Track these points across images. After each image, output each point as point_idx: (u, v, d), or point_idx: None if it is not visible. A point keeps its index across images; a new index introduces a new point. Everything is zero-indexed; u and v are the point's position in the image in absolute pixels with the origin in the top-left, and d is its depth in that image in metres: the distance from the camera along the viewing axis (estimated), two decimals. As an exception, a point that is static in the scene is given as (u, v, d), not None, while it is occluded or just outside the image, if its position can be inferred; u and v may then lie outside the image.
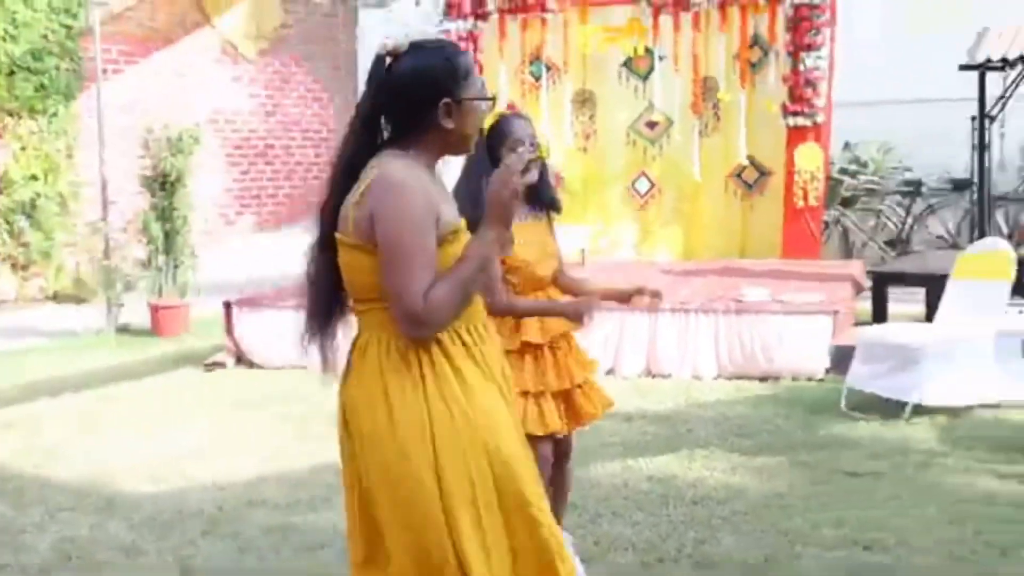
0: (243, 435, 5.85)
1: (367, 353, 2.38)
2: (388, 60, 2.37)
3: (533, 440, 3.20)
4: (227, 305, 7.73)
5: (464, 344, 2.37)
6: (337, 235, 2.34)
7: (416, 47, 2.38)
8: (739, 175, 10.19)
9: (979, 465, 4.95)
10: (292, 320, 8.26)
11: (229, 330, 7.69)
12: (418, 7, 16.10)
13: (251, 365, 7.62)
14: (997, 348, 5.82)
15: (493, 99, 2.54)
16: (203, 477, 5.04)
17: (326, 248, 2.39)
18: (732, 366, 6.91)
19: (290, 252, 10.07)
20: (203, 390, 6.98)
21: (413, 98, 2.35)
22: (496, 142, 3.45)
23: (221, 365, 7.59)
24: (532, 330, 3.52)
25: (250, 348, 7.63)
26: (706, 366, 6.93)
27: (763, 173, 10.13)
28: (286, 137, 14.40)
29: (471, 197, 3.01)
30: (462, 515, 2.29)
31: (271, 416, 6.24)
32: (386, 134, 2.41)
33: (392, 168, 2.32)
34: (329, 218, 2.37)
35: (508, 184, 2.32)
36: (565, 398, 3.65)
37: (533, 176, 3.38)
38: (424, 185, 2.33)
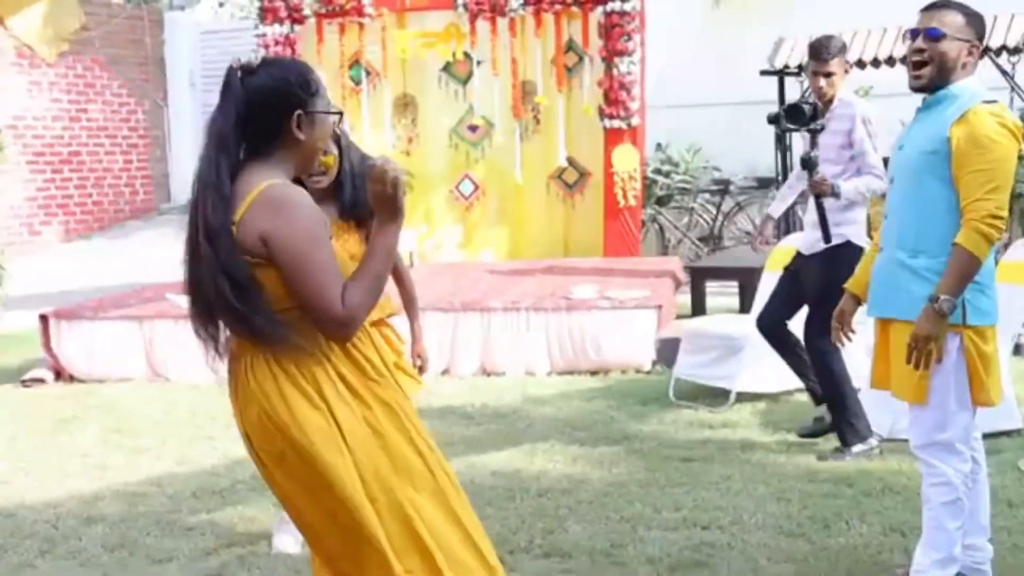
0: (72, 451, 5.63)
1: (256, 370, 2.42)
2: (240, 74, 2.44)
3: None
4: (43, 318, 7.40)
5: (344, 350, 2.44)
6: None
7: (269, 62, 2.49)
8: (560, 176, 10.45)
9: (799, 445, 5.28)
10: (114, 331, 8.04)
11: (47, 344, 7.37)
12: (221, 8, 15.79)
13: (72, 379, 7.33)
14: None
15: (340, 113, 2.63)
16: (34, 497, 4.84)
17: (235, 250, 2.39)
18: (564, 362, 7.11)
19: (104, 261, 9.83)
20: (23, 408, 6.67)
21: (269, 109, 2.43)
22: None
23: (40, 381, 7.26)
24: None
25: (71, 362, 7.33)
26: (539, 363, 7.11)
27: (582, 174, 10.42)
28: (92, 143, 13.85)
29: None
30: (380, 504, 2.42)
31: (99, 430, 6.03)
32: (242, 150, 2.45)
33: (274, 184, 2.38)
34: (226, 220, 2.36)
35: (385, 178, 2.39)
36: None
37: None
38: (306, 195, 2.40)
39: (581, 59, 10.32)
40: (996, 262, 3.52)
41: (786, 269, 5.34)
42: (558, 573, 3.88)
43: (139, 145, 14.46)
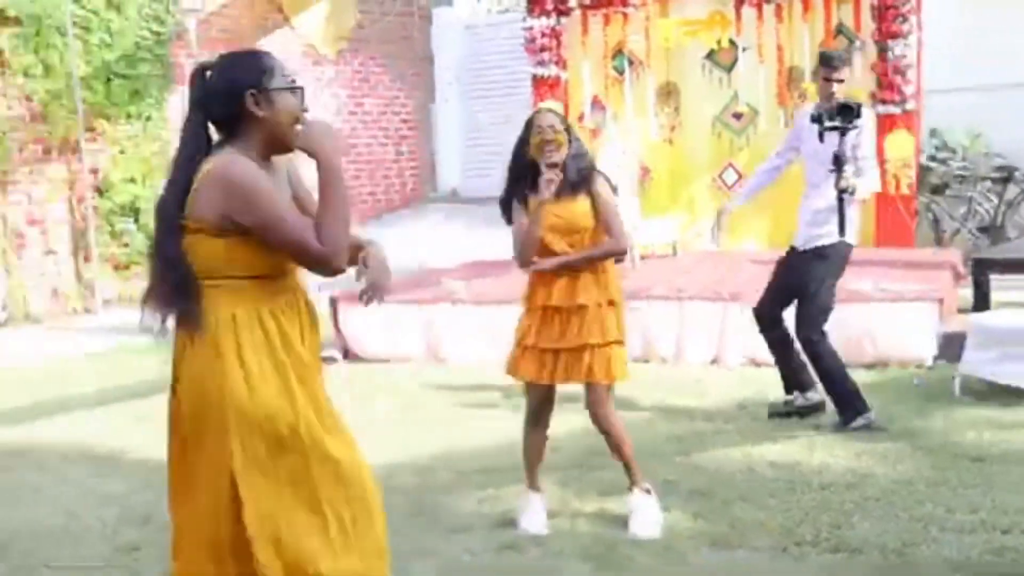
0: (365, 426, 6.00)
1: (191, 342, 2.65)
2: (200, 71, 2.72)
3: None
4: (333, 300, 7.93)
5: (264, 329, 2.65)
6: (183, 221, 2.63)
7: (224, 56, 2.76)
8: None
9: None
10: (396, 313, 8.49)
11: (336, 324, 7.89)
12: (480, 3, 16.27)
13: (357, 358, 7.81)
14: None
15: (300, 88, 2.78)
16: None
17: (174, 233, 2.64)
18: (847, 356, 6.91)
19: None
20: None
21: (226, 94, 2.66)
22: (526, 132, 4.13)
23: (331, 359, 7.78)
24: (542, 295, 4.16)
25: (357, 342, 7.82)
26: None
27: (851, 162, 10.10)
28: (367, 136, 14.63)
29: (512, 178, 4.18)
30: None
31: (387, 407, 6.41)
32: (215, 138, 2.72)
33: (219, 162, 2.61)
34: (174, 208, 2.63)
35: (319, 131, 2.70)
36: (555, 356, 4.15)
37: (552, 159, 4.03)
38: (244, 162, 2.62)
39: (852, 43, 10.00)
40: None
41: (780, 263, 5.69)
42: (846, 568, 3.82)
43: (409, 137, 15.15)
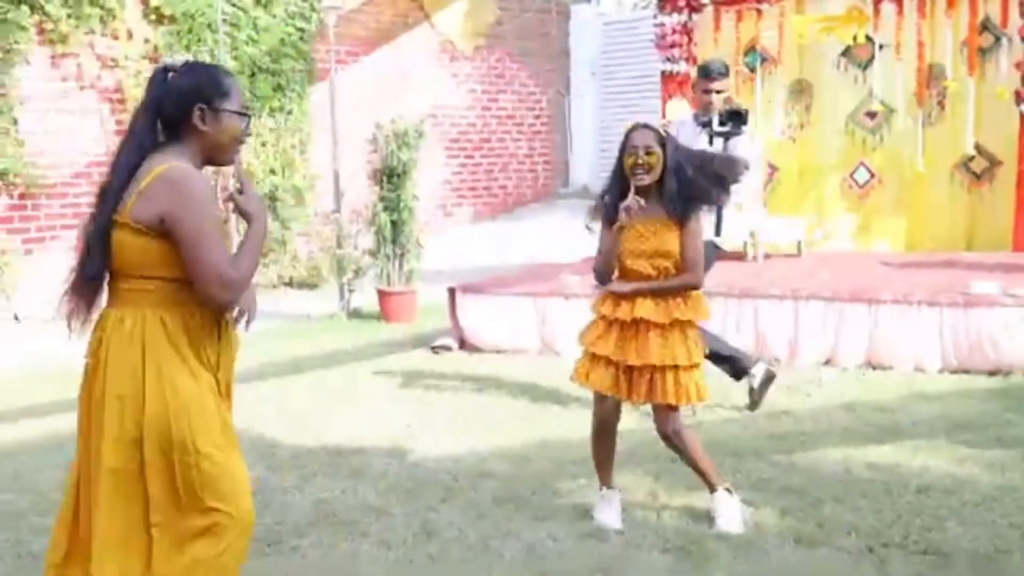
0: (469, 413, 6.17)
1: (124, 323, 2.75)
2: (164, 72, 2.84)
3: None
4: (451, 291, 8.12)
5: (188, 333, 2.80)
6: (115, 216, 2.74)
7: (192, 64, 2.88)
8: (966, 165, 9.86)
9: None
10: (511, 306, 8.67)
11: (453, 315, 8.08)
12: (620, 4, 16.27)
13: (473, 349, 7.98)
14: None
15: (248, 115, 2.90)
16: (437, 451, 5.37)
17: (104, 227, 2.76)
18: (958, 360, 6.74)
19: (507, 240, 10.53)
20: (432, 371, 7.38)
21: (178, 101, 2.80)
22: (622, 150, 4.10)
23: (447, 348, 7.98)
24: (608, 306, 4.19)
25: (473, 332, 7.99)
26: (930, 359, 6.79)
27: (992, 163, 9.76)
28: (501, 131, 14.84)
29: (611, 198, 4.14)
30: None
31: (494, 396, 6.55)
32: (161, 138, 2.84)
33: (177, 168, 2.72)
34: (111, 203, 2.75)
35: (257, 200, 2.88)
36: (627, 372, 4.16)
37: (642, 181, 4.06)
38: (201, 176, 2.75)
39: (998, 40, 9.66)
40: None
41: None
42: (933, 571, 3.76)
43: (542, 132, 15.30)
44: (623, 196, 4.10)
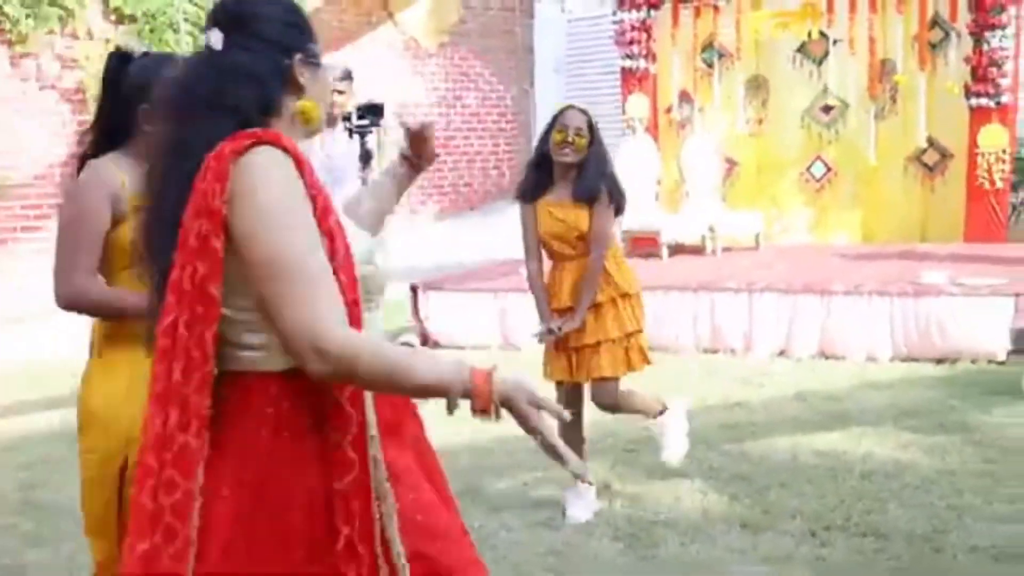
0: (431, 408, 6.24)
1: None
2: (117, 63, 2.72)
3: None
4: (413, 288, 8.20)
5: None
6: None
7: (147, 57, 2.74)
8: (919, 158, 10.05)
9: None
10: (472, 302, 8.73)
11: (415, 312, 8.16)
12: (584, 1, 16.36)
13: (436, 345, 8.07)
14: None
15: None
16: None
17: None
18: (908, 348, 6.90)
19: (471, 238, 10.62)
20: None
21: (124, 99, 2.67)
22: (551, 127, 4.24)
23: (409, 345, 8.03)
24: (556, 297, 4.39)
25: (435, 329, 8.08)
26: (881, 348, 6.95)
27: (944, 155, 9.96)
28: (465, 128, 14.92)
29: (532, 174, 4.34)
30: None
31: (456, 391, 6.63)
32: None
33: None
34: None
35: None
36: (576, 353, 4.33)
37: (565, 159, 4.24)
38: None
39: (947, 35, 9.85)
40: None
41: None
42: (872, 552, 3.89)
43: (507, 130, 15.39)
44: (546, 172, 4.28)
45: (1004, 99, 9.44)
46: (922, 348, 6.86)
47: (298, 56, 1.96)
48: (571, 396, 4.40)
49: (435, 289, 8.22)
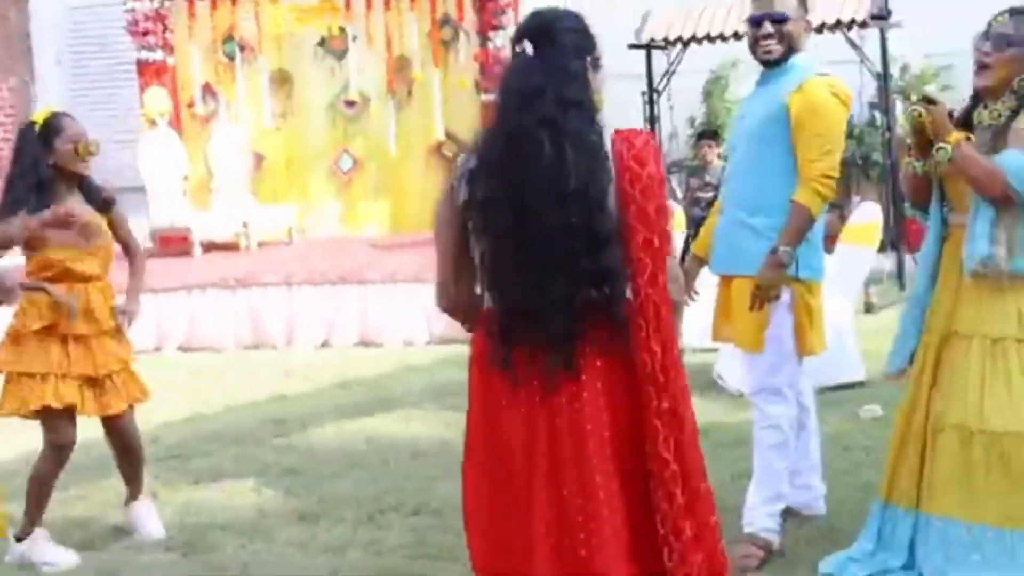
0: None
1: None
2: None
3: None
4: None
5: None
6: None
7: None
8: (438, 150, 10.58)
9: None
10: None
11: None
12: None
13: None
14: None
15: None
16: None
17: None
18: (443, 331, 7.26)
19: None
20: None
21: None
22: (52, 135, 3.78)
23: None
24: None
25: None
26: (418, 333, 7.26)
27: (462, 147, 10.56)
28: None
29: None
30: None
31: None
32: None
33: None
34: None
35: None
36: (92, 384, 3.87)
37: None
38: None
39: (457, 33, 10.43)
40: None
41: None
42: (426, 529, 4.04)
43: (6, 123, 14.07)
44: (46, 189, 3.78)
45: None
46: (455, 330, 7.18)
47: None
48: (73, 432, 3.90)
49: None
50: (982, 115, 3.12)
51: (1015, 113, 3.04)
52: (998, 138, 3.07)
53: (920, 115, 3.07)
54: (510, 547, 2.61)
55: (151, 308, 7.53)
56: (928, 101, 3.10)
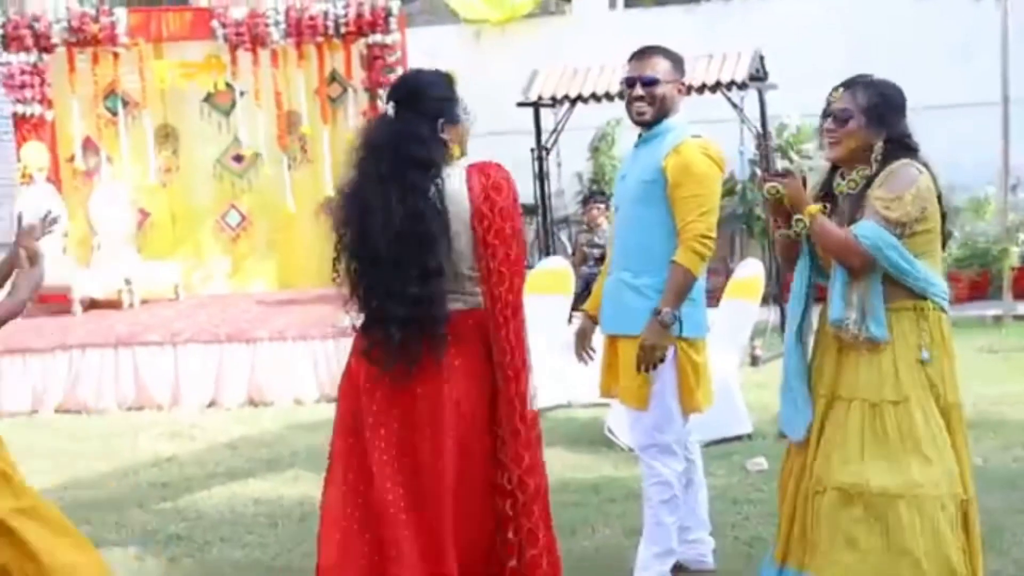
0: None
1: None
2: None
3: None
4: None
5: None
6: None
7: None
8: (329, 205, 10.52)
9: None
10: None
11: None
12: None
13: None
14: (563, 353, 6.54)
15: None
16: None
17: None
18: (332, 389, 7.16)
19: None
20: None
21: None
22: None
23: None
24: None
25: None
26: (308, 391, 7.16)
27: (348, 202, 10.54)
28: None
29: None
30: None
31: None
32: None
33: None
34: None
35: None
36: None
37: None
38: None
39: (345, 90, 10.45)
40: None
41: None
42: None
43: None
44: None
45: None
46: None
47: None
48: None
49: None
50: (840, 185, 3.24)
51: (869, 182, 3.15)
52: (855, 207, 3.17)
53: (776, 191, 3.18)
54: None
55: (28, 368, 7.32)
56: (783, 174, 3.22)
